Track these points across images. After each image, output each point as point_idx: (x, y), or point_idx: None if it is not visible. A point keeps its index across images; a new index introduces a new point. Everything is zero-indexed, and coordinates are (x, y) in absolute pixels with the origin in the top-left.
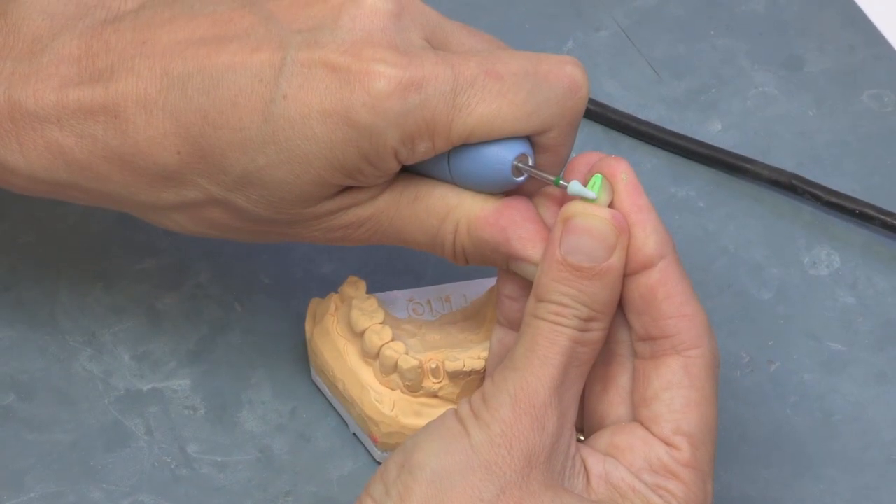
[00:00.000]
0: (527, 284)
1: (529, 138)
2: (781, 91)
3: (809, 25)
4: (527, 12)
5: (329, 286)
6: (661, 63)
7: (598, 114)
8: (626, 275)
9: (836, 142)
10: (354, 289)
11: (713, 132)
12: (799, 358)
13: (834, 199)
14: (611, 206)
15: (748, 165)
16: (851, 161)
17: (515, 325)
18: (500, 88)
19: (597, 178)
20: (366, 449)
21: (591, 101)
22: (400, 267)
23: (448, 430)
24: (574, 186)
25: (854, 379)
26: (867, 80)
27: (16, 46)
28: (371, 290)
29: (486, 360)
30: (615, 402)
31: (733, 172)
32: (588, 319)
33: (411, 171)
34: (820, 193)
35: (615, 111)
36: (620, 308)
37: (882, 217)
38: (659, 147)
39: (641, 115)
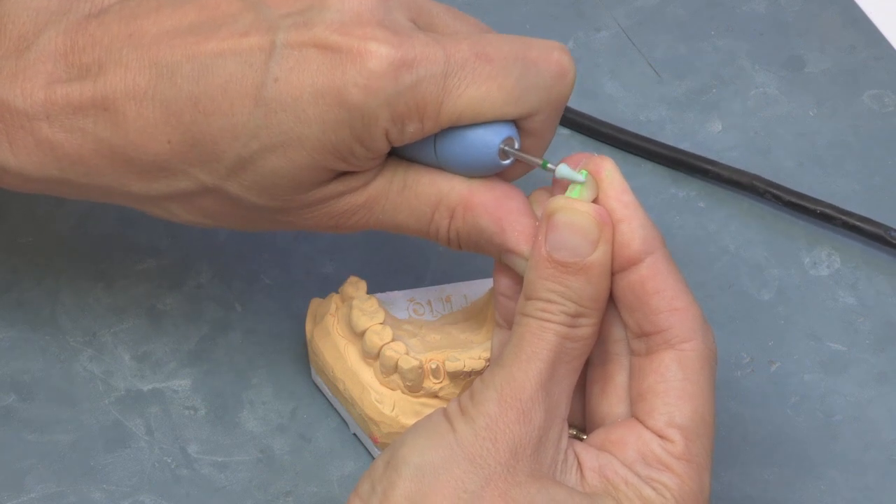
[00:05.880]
0: (520, 282)
1: (515, 122)
2: (782, 91)
3: (810, 26)
4: (527, 13)
5: (330, 286)
6: (662, 63)
7: (573, 121)
8: (615, 271)
9: (837, 142)
10: (355, 289)
11: (714, 132)
12: (799, 358)
13: (794, 200)
14: (596, 202)
15: (709, 167)
16: (852, 161)
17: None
18: (490, 71)
19: (582, 174)
20: (366, 449)
21: (579, 112)
22: (400, 267)
23: (434, 426)
24: (562, 170)
25: (855, 379)
26: (868, 80)
27: (3, 45)
28: (371, 290)
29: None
30: (614, 401)
31: (694, 174)
32: (576, 315)
33: (398, 157)
34: (780, 194)
35: (591, 117)
36: (615, 306)
37: (843, 217)
38: (629, 152)
39: (642, 116)
